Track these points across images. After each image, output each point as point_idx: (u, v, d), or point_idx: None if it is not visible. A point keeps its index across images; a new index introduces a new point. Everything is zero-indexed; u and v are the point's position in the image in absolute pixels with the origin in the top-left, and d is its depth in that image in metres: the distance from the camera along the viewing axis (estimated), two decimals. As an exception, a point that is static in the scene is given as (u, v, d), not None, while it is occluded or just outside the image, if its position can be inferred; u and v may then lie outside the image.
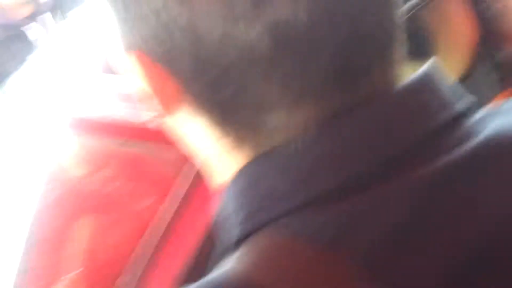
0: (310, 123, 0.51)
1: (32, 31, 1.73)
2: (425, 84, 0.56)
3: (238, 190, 0.54)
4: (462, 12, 1.32)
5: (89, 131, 1.24)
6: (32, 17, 1.72)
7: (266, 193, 0.52)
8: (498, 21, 1.38)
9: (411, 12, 1.13)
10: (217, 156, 0.57)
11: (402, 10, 0.58)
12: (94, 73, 1.39)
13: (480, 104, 1.37)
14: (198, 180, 1.05)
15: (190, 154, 0.62)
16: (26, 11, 1.71)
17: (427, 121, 0.53)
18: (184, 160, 1.01)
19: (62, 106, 1.31)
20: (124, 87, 1.24)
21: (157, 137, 0.98)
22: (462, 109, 0.56)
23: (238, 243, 0.53)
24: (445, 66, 1.35)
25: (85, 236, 1.16)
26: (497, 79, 1.42)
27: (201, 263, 1.04)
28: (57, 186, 1.24)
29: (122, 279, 1.07)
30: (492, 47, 1.39)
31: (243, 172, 0.54)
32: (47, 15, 1.75)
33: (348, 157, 0.50)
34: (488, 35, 1.38)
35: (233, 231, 0.54)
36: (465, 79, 1.43)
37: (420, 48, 1.40)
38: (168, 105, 0.55)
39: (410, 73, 1.45)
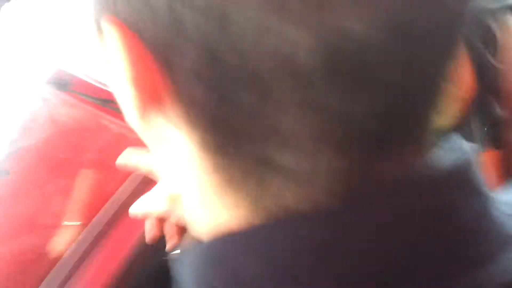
0: (336, 189, 0.37)
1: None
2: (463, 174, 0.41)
3: (214, 263, 0.39)
4: (460, 62, 1.24)
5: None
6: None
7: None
8: (498, 81, 1.30)
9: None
10: (198, 193, 0.41)
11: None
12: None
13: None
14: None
15: (162, 173, 0.47)
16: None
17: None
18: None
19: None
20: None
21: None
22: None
23: None
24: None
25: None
26: (486, 138, 1.35)
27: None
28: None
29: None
30: (486, 106, 1.31)
31: (236, 237, 0.38)
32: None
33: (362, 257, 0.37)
34: (485, 92, 1.31)
35: None
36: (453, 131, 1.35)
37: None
38: (144, 105, 0.37)
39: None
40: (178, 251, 0.90)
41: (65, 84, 1.56)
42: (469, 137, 1.38)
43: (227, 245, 0.38)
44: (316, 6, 0.31)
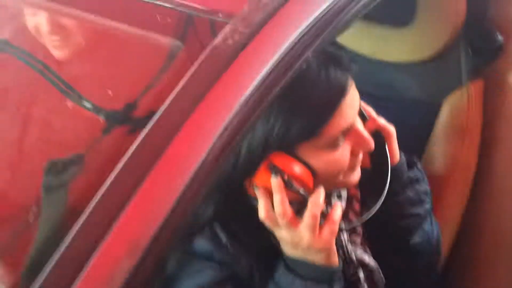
0: None
1: None
2: None
3: None
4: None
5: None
6: None
7: None
8: (487, 7, 1.28)
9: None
10: None
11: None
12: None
13: (449, 86, 1.33)
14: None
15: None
16: None
17: None
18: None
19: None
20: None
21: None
22: None
23: None
24: (425, 37, 1.30)
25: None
26: (471, 67, 1.33)
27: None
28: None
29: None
30: (474, 34, 1.29)
31: None
32: None
33: None
34: (475, 19, 1.28)
35: None
36: (440, 57, 1.33)
37: (405, 15, 1.30)
38: None
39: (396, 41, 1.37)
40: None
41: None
42: (456, 64, 1.37)
43: None
44: None
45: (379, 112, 1.24)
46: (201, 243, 1.07)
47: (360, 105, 1.14)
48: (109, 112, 0.91)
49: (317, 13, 0.85)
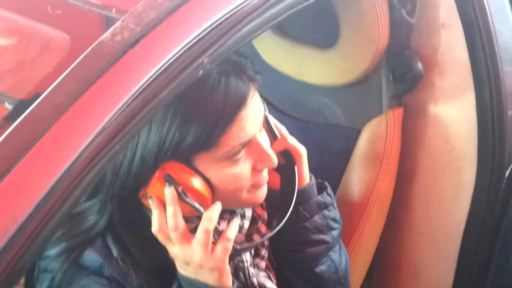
0: None
1: None
2: None
3: None
4: (377, 11, 1.20)
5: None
6: None
7: None
8: (410, 35, 1.30)
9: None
10: None
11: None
12: None
13: (370, 112, 1.32)
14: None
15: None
16: None
17: None
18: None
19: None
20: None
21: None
22: None
23: None
24: (347, 60, 1.29)
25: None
26: (392, 94, 1.33)
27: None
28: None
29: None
30: (396, 61, 1.28)
31: None
32: None
33: None
34: (397, 46, 1.27)
35: None
36: (362, 82, 1.33)
37: (329, 37, 1.29)
38: None
39: (320, 64, 1.37)
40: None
41: None
42: (377, 91, 1.36)
43: None
44: None
45: (300, 134, 1.22)
46: (91, 256, 1.01)
47: (270, 122, 1.11)
48: None
49: (216, 18, 0.82)
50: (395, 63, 1.31)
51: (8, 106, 0.80)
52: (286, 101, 1.51)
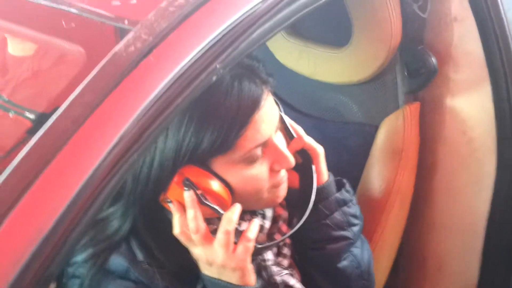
0: None
1: None
2: None
3: None
4: (389, 8, 1.21)
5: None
6: None
7: None
8: (422, 31, 1.30)
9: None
10: None
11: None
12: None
13: (386, 108, 1.33)
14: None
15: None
16: None
17: None
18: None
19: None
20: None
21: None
22: None
23: None
24: (361, 58, 1.30)
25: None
26: (407, 89, 1.33)
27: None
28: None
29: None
30: (410, 56, 1.29)
31: None
32: None
33: None
34: (410, 42, 1.27)
35: None
36: (377, 78, 1.33)
37: (343, 35, 1.29)
38: None
39: (334, 62, 1.38)
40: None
41: None
42: (392, 86, 1.36)
43: None
44: None
45: (317, 132, 1.23)
46: (117, 261, 1.03)
47: (286, 122, 1.13)
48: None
49: (226, 24, 0.83)
50: (409, 58, 1.32)
51: (29, 115, 0.82)
52: (302, 100, 1.52)
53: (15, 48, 1.00)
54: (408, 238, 1.46)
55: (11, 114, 0.90)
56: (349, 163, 1.41)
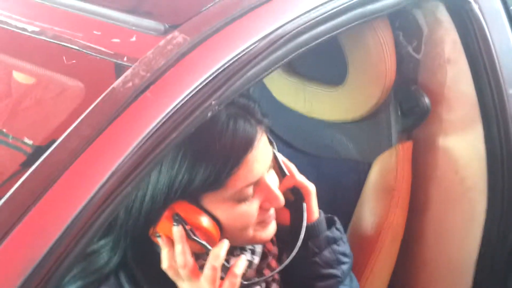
0: None
1: None
2: None
3: None
4: (383, 49, 1.23)
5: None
6: None
7: None
8: (417, 71, 1.33)
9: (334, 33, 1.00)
10: None
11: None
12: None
13: (380, 146, 1.35)
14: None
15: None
16: None
17: None
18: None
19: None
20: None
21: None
22: None
23: None
24: (356, 97, 1.32)
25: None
26: (400, 128, 1.35)
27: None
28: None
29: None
30: (403, 96, 1.31)
31: None
32: None
33: None
34: (406, 82, 1.30)
35: None
36: (371, 117, 1.35)
37: (337, 74, 1.32)
38: None
39: (329, 100, 1.40)
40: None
41: None
42: (386, 125, 1.38)
43: None
44: None
45: (312, 169, 1.24)
46: None
47: (279, 160, 1.14)
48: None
49: (222, 62, 0.86)
50: (403, 97, 1.34)
51: (25, 148, 0.84)
52: (298, 137, 1.54)
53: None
54: (399, 276, 1.47)
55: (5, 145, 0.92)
56: (343, 200, 1.42)
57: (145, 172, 0.80)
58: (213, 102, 0.85)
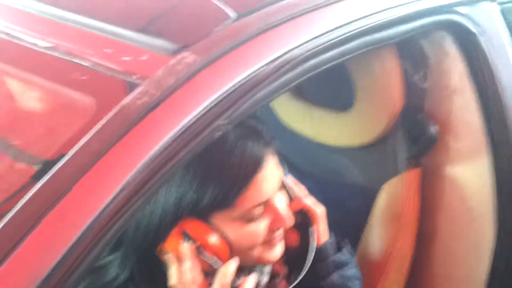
0: None
1: None
2: None
3: None
4: (390, 76, 1.24)
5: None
6: None
7: None
8: (423, 100, 1.33)
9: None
10: None
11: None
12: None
13: (387, 172, 1.35)
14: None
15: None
16: None
17: None
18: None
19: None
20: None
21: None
22: None
23: None
24: (363, 123, 1.33)
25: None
26: (408, 155, 1.35)
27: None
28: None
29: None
30: (411, 123, 1.31)
31: None
32: None
33: None
34: (412, 109, 1.31)
35: None
36: (378, 143, 1.35)
37: (345, 100, 1.33)
38: None
39: (336, 126, 1.41)
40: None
41: None
42: (393, 152, 1.38)
43: None
44: None
45: (320, 192, 1.25)
46: None
47: (288, 183, 1.15)
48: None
49: (231, 84, 0.87)
50: (410, 126, 1.34)
51: (35, 162, 0.85)
52: (305, 160, 1.55)
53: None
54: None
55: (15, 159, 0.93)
56: (349, 225, 1.42)
57: (154, 189, 0.81)
58: (221, 123, 0.86)
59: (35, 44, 0.96)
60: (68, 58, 0.91)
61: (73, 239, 0.75)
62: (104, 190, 0.77)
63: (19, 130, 0.92)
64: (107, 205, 0.76)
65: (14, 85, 1.01)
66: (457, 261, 1.40)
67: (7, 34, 1.01)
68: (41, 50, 0.95)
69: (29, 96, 0.97)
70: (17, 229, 0.75)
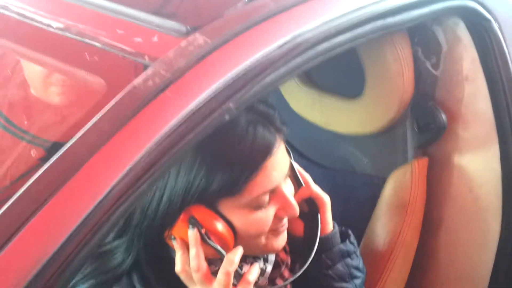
0: None
1: None
2: None
3: None
4: (402, 63, 1.23)
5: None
6: None
7: None
8: (434, 87, 1.33)
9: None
10: None
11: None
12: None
13: (395, 161, 1.34)
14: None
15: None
16: None
17: None
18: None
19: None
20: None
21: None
22: None
23: None
24: (373, 111, 1.32)
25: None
26: (416, 144, 1.34)
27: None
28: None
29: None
30: (420, 112, 1.31)
31: None
32: None
33: None
34: (421, 98, 1.31)
35: None
36: (387, 131, 1.35)
37: (355, 87, 1.32)
38: None
39: (346, 113, 1.40)
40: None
41: None
42: (402, 140, 1.38)
43: None
44: None
45: (326, 181, 1.24)
46: None
47: (296, 170, 1.14)
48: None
49: (242, 66, 0.86)
50: (419, 113, 1.34)
51: (44, 143, 0.85)
52: (314, 149, 1.54)
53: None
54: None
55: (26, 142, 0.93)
56: (356, 214, 1.42)
57: (162, 170, 0.81)
58: (231, 105, 0.85)
59: (49, 25, 0.95)
60: (80, 38, 0.91)
61: (80, 218, 0.75)
62: (112, 170, 0.77)
63: (28, 111, 0.92)
64: (115, 185, 0.76)
65: (26, 66, 1.00)
66: (463, 250, 1.40)
67: (21, 14, 1.01)
68: (53, 30, 0.94)
69: (40, 77, 0.96)
70: (24, 209, 0.75)
